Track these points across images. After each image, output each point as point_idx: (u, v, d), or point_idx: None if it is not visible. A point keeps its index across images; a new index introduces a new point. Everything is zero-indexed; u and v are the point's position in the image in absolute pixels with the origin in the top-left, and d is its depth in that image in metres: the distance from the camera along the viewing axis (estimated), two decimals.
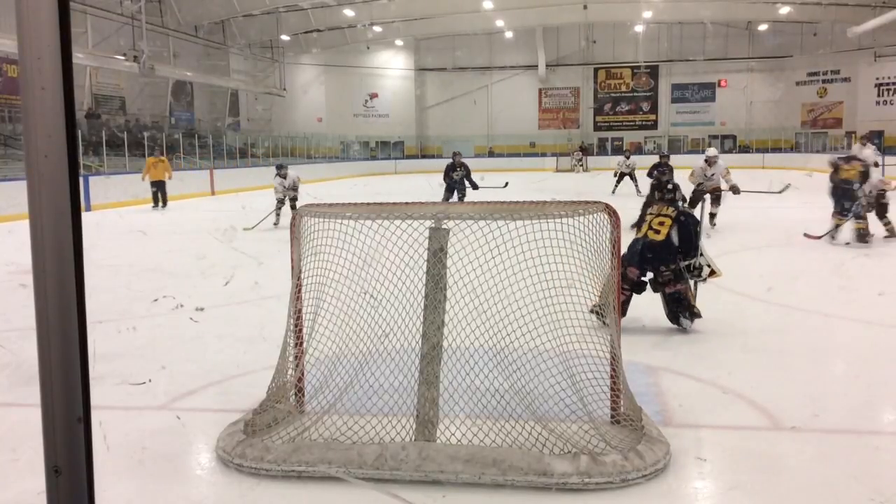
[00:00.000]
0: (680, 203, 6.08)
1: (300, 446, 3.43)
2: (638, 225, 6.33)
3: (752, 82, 39.96)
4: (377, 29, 37.09)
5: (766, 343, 5.48)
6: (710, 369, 4.76)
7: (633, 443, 3.41)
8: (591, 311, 4.17)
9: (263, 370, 4.33)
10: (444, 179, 14.96)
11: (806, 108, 39.14)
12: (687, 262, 5.66)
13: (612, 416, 3.75)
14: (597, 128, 42.14)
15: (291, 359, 3.96)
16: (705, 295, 7.30)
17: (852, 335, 5.79)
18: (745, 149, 39.19)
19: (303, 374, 4.03)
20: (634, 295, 5.89)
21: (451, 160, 15.27)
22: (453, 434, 3.53)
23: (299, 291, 3.95)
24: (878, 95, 35.90)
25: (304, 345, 3.93)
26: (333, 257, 3.78)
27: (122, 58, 24.81)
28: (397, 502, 3.00)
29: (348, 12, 33.62)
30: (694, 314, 5.68)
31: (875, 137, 32.92)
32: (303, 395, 4.05)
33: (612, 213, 3.75)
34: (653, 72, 41.07)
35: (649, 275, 5.81)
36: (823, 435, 3.79)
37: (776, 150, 38.01)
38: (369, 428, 3.55)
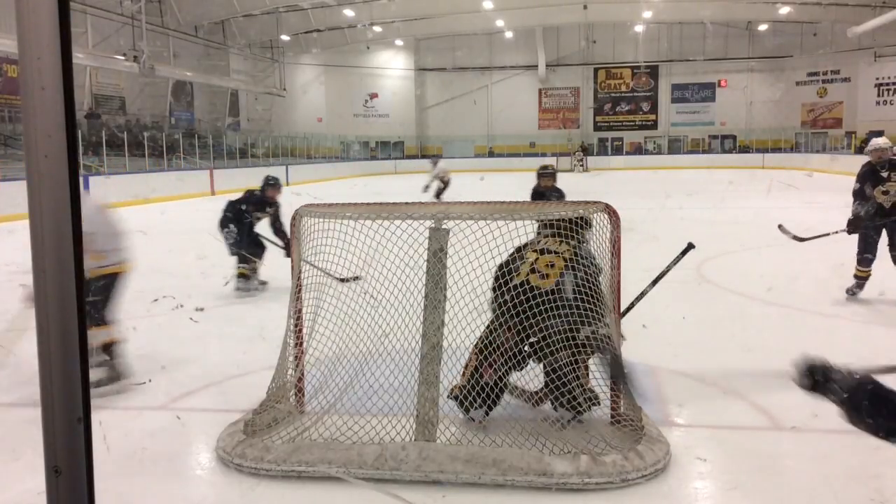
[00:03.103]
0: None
1: (300, 446, 3.43)
2: (507, 268, 3.90)
3: (752, 82, 39.97)
4: (377, 29, 37.10)
5: (766, 343, 5.48)
6: (710, 369, 4.76)
7: (633, 443, 3.41)
8: (450, 397, 3.72)
9: (263, 370, 4.33)
10: (225, 225, 7.73)
11: (806, 108, 39.15)
12: (591, 329, 3.61)
13: (612, 416, 3.75)
14: (597, 128, 42.15)
15: (291, 359, 3.96)
16: (705, 295, 7.30)
17: (852, 335, 5.79)
18: (745, 149, 39.22)
19: (303, 374, 4.03)
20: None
21: (256, 192, 8.02)
22: (453, 434, 3.53)
23: (299, 291, 3.95)
24: (878, 95, 35.90)
25: (304, 345, 3.94)
26: (333, 257, 3.79)
27: (122, 58, 24.83)
28: (397, 502, 3.00)
29: (348, 12, 33.63)
30: (588, 400, 3.73)
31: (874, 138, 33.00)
32: (303, 395, 4.06)
33: (612, 213, 3.75)
34: (653, 72, 41.07)
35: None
36: (823, 435, 3.79)
37: (776, 150, 38.03)
38: (369, 428, 3.55)
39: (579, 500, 3.09)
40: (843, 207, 15.43)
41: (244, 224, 7.72)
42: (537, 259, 3.86)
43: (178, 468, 3.57)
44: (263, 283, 7.86)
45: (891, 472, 3.39)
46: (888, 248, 6.60)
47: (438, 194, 15.65)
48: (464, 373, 3.81)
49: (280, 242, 7.72)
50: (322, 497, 3.20)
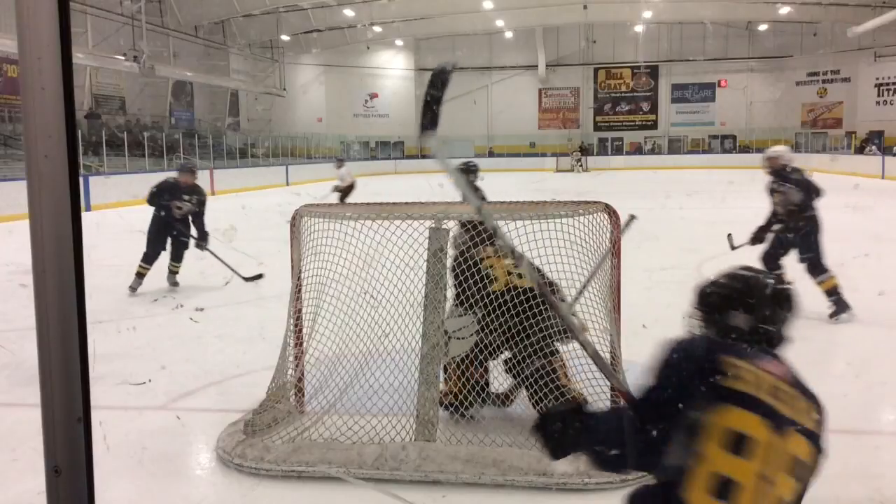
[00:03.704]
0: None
1: (300, 446, 3.43)
2: (472, 280, 3.75)
3: (752, 82, 39.95)
4: (377, 29, 37.09)
5: None
6: None
7: None
8: (442, 406, 3.70)
9: (263, 370, 4.33)
10: (155, 205, 7.60)
11: (806, 108, 39.13)
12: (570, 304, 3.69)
13: None
14: (597, 128, 42.13)
15: (291, 359, 3.96)
16: None
17: (852, 335, 5.79)
18: (745, 149, 39.19)
19: (303, 374, 4.03)
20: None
21: (170, 179, 7.81)
22: (453, 434, 3.53)
23: (299, 291, 3.95)
24: (878, 95, 35.88)
25: (304, 345, 3.94)
26: (333, 257, 3.79)
27: (122, 58, 24.81)
28: (397, 502, 3.00)
29: (348, 12, 33.62)
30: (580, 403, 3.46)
31: (875, 138, 32.99)
32: (303, 395, 4.06)
33: (612, 213, 3.75)
34: (653, 72, 41.05)
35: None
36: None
37: None
38: (369, 428, 3.55)
39: (579, 500, 3.09)
40: (842, 208, 15.40)
41: (162, 215, 7.55)
42: (499, 261, 3.85)
43: (178, 468, 3.57)
44: (175, 283, 7.84)
45: (891, 472, 3.39)
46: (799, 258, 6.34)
47: (342, 198, 15.40)
48: (449, 379, 3.83)
49: (194, 233, 7.73)
50: (322, 497, 3.20)
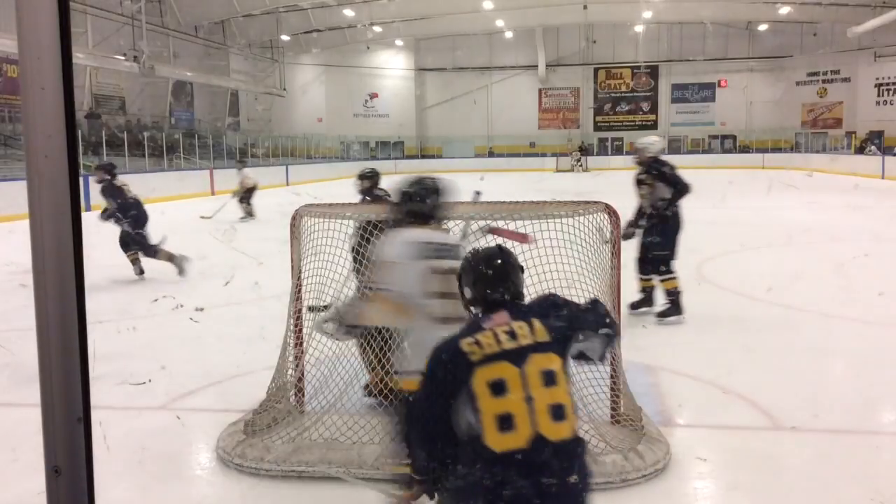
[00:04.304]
0: None
1: (300, 446, 3.43)
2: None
3: (752, 82, 39.93)
4: (377, 29, 37.09)
5: (766, 343, 5.48)
6: (710, 369, 4.76)
7: (633, 443, 3.41)
8: (371, 396, 3.82)
9: (263, 370, 4.33)
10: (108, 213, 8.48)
11: (806, 108, 39.11)
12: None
13: (612, 416, 3.76)
14: (597, 128, 42.11)
15: (291, 359, 3.96)
16: (706, 295, 7.31)
17: (852, 335, 5.79)
18: (745, 149, 39.20)
19: (303, 374, 4.03)
20: None
21: (104, 170, 8.49)
22: None
23: (299, 291, 3.95)
24: (878, 95, 35.86)
25: (304, 345, 3.94)
26: (333, 257, 3.78)
27: (122, 58, 24.81)
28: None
29: (348, 12, 33.62)
30: None
31: (875, 138, 32.99)
32: (303, 395, 4.06)
33: (612, 213, 3.75)
34: (653, 72, 41.04)
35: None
36: (823, 435, 3.80)
37: (776, 150, 38.01)
38: (369, 428, 3.56)
39: None
40: (843, 207, 15.42)
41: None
42: None
43: (178, 468, 3.58)
44: (178, 262, 8.44)
45: (891, 473, 3.39)
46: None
47: (242, 199, 15.12)
48: (372, 370, 3.87)
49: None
50: (322, 497, 3.20)
